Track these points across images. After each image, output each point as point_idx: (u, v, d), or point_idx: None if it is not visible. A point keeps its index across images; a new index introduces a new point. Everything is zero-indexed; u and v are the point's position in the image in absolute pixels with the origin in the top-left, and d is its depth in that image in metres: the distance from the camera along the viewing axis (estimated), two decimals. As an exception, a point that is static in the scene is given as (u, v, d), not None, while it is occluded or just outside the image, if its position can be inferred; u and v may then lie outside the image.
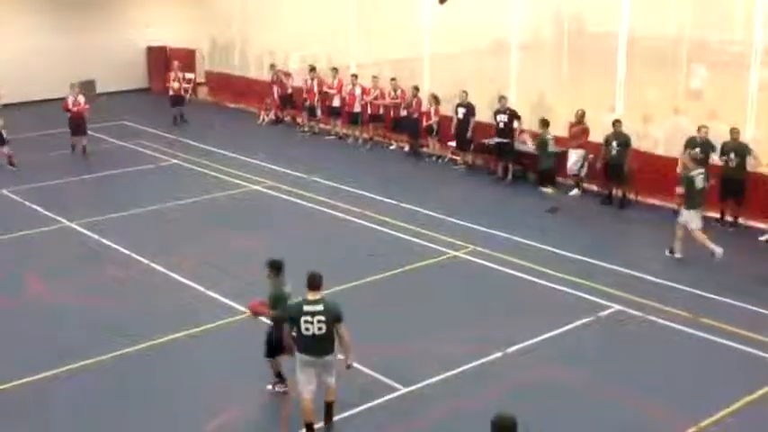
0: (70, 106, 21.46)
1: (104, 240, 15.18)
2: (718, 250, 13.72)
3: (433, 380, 10.35)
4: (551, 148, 17.23)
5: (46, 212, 16.75)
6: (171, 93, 24.85)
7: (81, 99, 21.39)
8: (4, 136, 20.22)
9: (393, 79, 21.59)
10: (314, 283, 8.87)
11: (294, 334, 8.87)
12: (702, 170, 14.13)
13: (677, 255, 14.14)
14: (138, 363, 10.90)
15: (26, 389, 10.22)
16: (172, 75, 24.95)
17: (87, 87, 28.22)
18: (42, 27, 26.99)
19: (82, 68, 27.75)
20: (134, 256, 14.43)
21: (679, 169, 15.08)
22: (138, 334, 11.49)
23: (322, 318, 8.74)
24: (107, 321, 12.05)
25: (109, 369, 10.70)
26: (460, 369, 10.60)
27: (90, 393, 10.16)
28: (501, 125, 18.82)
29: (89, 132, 21.73)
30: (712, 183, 14.74)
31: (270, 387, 10.13)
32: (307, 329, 8.75)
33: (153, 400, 10.05)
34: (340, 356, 9.15)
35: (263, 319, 10.03)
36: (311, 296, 8.83)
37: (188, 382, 10.47)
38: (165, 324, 11.83)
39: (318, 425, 9.14)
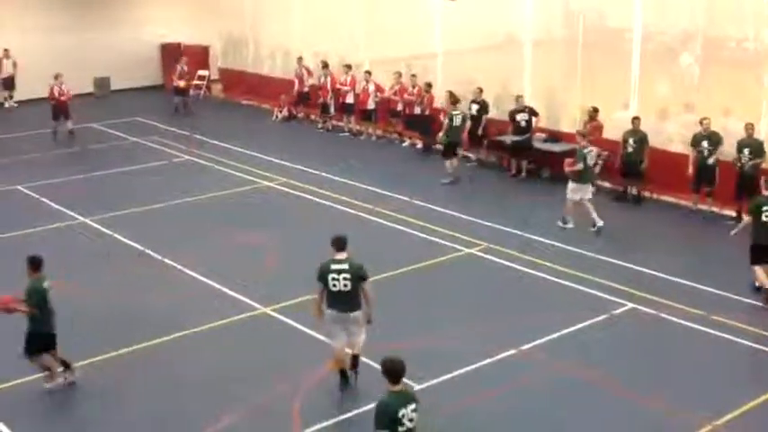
0: (56, 95, 22.34)
1: (118, 236, 15.24)
2: (600, 222, 15.11)
3: (446, 377, 10.36)
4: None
5: (61, 208, 16.83)
6: (175, 85, 25.53)
7: (65, 88, 22.36)
8: None
9: (413, 75, 21.54)
10: (339, 244, 9.81)
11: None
12: (593, 148, 15.64)
13: (569, 225, 15.41)
14: (148, 358, 10.95)
15: (37, 384, 10.28)
16: (177, 68, 25.51)
17: (102, 84, 28.42)
18: (58, 24, 27.09)
19: (97, 66, 27.92)
20: (147, 251, 14.48)
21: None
22: (149, 330, 11.54)
23: (348, 275, 9.66)
24: (120, 317, 12.11)
25: (119, 365, 10.75)
26: (474, 366, 10.60)
27: (98, 390, 10.21)
28: (523, 123, 18.72)
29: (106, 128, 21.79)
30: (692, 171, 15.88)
31: (47, 385, 10.11)
32: (334, 285, 9.68)
33: (162, 396, 10.11)
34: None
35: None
36: (338, 256, 9.77)
37: (198, 377, 10.51)
38: (178, 320, 11.87)
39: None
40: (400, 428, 7.07)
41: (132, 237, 15.13)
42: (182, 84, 25.56)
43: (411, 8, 22.19)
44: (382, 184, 18.17)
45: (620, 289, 12.81)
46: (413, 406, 7.18)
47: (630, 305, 12.33)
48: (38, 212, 16.70)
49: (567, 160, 15.58)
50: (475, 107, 19.64)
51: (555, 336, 11.41)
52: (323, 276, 9.78)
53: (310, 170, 19.37)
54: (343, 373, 10.14)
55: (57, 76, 22.62)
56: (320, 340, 11.32)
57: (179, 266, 13.85)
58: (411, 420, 7.14)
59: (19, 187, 18.31)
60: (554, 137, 19.00)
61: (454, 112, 18.67)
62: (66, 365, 10.25)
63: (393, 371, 7.22)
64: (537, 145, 18.91)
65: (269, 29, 27.20)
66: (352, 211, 16.52)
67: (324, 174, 19.09)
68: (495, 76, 20.31)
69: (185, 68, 25.76)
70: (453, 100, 19.18)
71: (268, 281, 13.32)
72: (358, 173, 18.98)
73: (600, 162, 15.95)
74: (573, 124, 18.96)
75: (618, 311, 12.18)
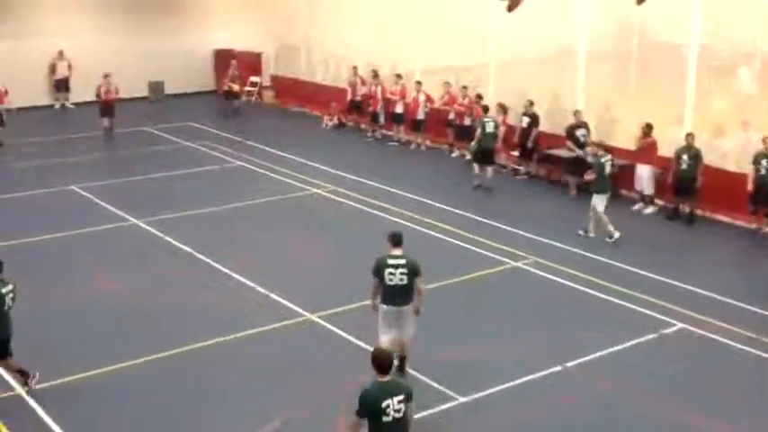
0: (102, 94, 23.27)
1: (168, 238, 15.42)
2: (616, 234, 15.25)
3: (491, 391, 10.28)
4: None
5: (114, 209, 17.10)
6: (225, 89, 26.22)
7: (111, 87, 23.30)
8: (4, 118, 22.39)
9: (464, 87, 21.49)
10: (396, 240, 10.28)
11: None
12: (610, 156, 15.66)
13: (590, 234, 15.56)
14: (198, 361, 11.04)
15: (91, 382, 10.44)
16: (229, 71, 26.32)
17: (156, 88, 28.85)
18: (115, 28, 27.57)
19: (152, 70, 28.34)
20: (197, 254, 14.64)
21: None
22: (198, 332, 11.64)
23: (404, 270, 10.07)
24: (169, 318, 12.25)
25: (168, 366, 10.86)
26: (519, 381, 10.50)
27: (148, 389, 10.32)
28: (582, 139, 18.53)
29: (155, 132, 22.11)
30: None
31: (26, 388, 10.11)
32: (390, 280, 10.07)
33: (210, 399, 10.17)
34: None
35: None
36: (394, 252, 10.19)
37: (241, 382, 10.57)
38: (224, 324, 11.96)
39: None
40: (384, 418, 7.18)
41: (182, 239, 15.29)
42: (234, 87, 26.08)
43: (466, 18, 22.13)
44: (430, 194, 18.14)
45: (671, 308, 12.60)
46: (400, 397, 7.26)
47: (681, 325, 12.12)
48: (91, 213, 16.98)
49: (588, 172, 15.80)
50: (526, 120, 19.55)
51: (602, 353, 11.25)
52: (379, 271, 10.12)
53: (358, 178, 19.43)
54: (401, 360, 10.43)
55: (106, 76, 23.35)
56: (365, 349, 11.33)
57: (226, 270, 13.96)
58: (398, 411, 7.23)
59: (74, 187, 18.64)
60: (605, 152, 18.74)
61: (485, 120, 18.80)
62: (24, 374, 10.15)
63: (378, 361, 7.35)
64: (589, 160, 18.67)
65: (322, 36, 27.40)
66: (400, 221, 16.50)
67: (372, 182, 19.12)
68: (547, 89, 20.19)
69: (237, 72, 26.39)
70: (485, 108, 19.45)
71: (314, 288, 13.36)
72: (406, 182, 18.97)
73: (616, 170, 16.15)
74: (625, 139, 18.73)
75: (668, 331, 11.97)
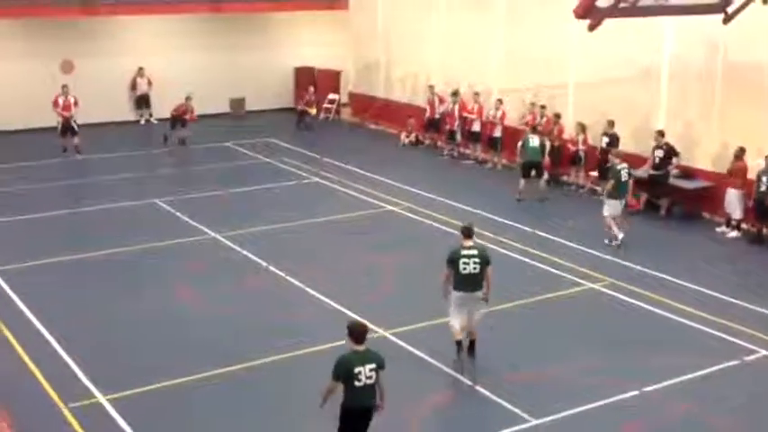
0: (178, 111, 24.27)
1: (245, 252, 15.66)
2: (621, 235, 15.88)
3: (565, 414, 10.13)
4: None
5: (193, 223, 17.45)
6: (300, 109, 27.46)
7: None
8: (76, 128, 23.02)
9: (543, 106, 21.32)
10: (468, 232, 11.27)
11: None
12: (626, 165, 16.30)
13: (617, 242, 16.00)
14: (273, 373, 11.18)
15: (170, 391, 10.65)
16: (306, 96, 27.34)
17: (237, 105, 29.42)
18: (196, 45, 28.20)
19: (234, 86, 28.91)
20: (272, 268, 14.82)
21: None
22: (273, 345, 11.78)
23: (477, 260, 10.99)
24: (244, 331, 12.42)
25: (244, 378, 11.00)
26: (594, 404, 10.32)
27: (225, 399, 10.48)
28: (657, 160, 18.25)
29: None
30: None
31: None
32: (464, 269, 10.93)
33: (283, 412, 10.29)
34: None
35: None
36: (466, 243, 11.15)
37: (312, 397, 10.62)
38: (296, 337, 12.07)
39: None
40: (356, 383, 8.31)
41: (258, 253, 15.51)
42: (311, 111, 27.22)
43: (545, 37, 21.97)
44: (505, 214, 18.02)
45: (754, 335, 12.23)
46: (372, 366, 8.37)
47: (764, 352, 11.75)
48: (172, 226, 17.37)
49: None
50: (605, 140, 19.27)
51: (681, 379, 10.99)
52: (454, 261, 10.97)
53: (433, 196, 19.41)
54: (459, 344, 11.28)
55: (187, 98, 24.29)
56: (437, 366, 11.31)
57: (300, 285, 14.11)
58: (369, 378, 8.37)
59: (156, 201, 19.11)
60: (687, 173, 18.39)
61: (529, 136, 19.43)
62: None
63: (354, 332, 8.49)
64: (669, 181, 18.35)
65: (401, 54, 27.52)
66: (478, 241, 16.41)
67: (447, 201, 19.08)
68: (628, 109, 19.84)
69: (313, 98, 27.41)
70: (533, 128, 20.06)
71: (387, 304, 13.39)
72: (481, 201, 18.87)
73: (631, 178, 16.67)
74: (708, 161, 18.32)
75: (750, 358, 11.62)
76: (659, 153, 18.27)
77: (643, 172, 18.39)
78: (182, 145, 24.39)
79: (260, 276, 14.59)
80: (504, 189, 20.39)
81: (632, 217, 18.12)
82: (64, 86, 23.42)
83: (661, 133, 18.43)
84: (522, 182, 19.24)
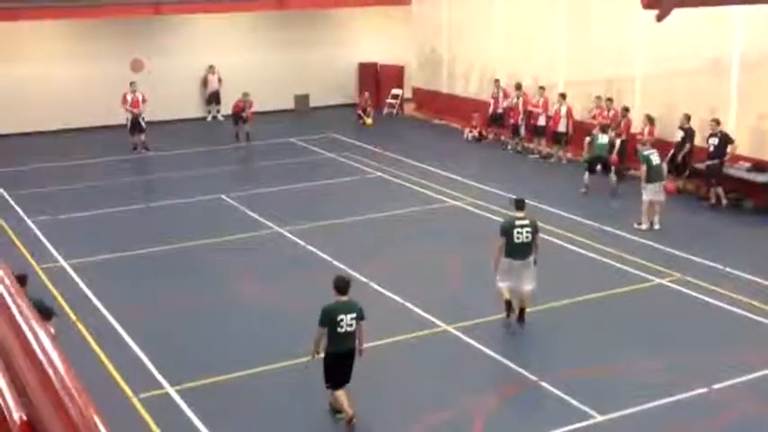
0: (237, 108, 24.75)
1: (310, 247, 15.81)
2: (644, 226, 16.31)
3: (631, 410, 9.98)
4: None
5: (259, 218, 17.69)
6: (358, 112, 27.84)
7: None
8: (143, 125, 23.52)
9: (609, 99, 21.01)
10: (520, 204, 12.33)
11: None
12: (654, 150, 16.72)
13: (644, 226, 16.39)
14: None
15: (236, 382, 10.83)
16: (363, 100, 27.92)
17: (301, 101, 29.69)
18: (263, 43, 28.58)
19: (298, 82, 29.20)
20: (335, 263, 14.92)
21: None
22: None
23: (529, 229, 11.95)
24: (308, 324, 12.50)
25: (308, 371, 11.10)
26: (661, 401, 10.16)
27: (288, 392, 10.61)
28: (711, 148, 17.92)
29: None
30: None
31: None
32: (518, 238, 11.90)
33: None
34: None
35: None
36: (518, 214, 12.15)
37: (375, 391, 10.69)
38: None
39: None
40: (339, 329, 9.41)
41: (322, 248, 15.64)
42: (367, 120, 27.62)
43: (612, 29, 21.65)
44: (570, 209, 17.83)
45: (829, 332, 11.88)
46: (353, 315, 9.42)
47: (840, 350, 11.41)
48: (238, 221, 17.63)
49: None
50: (680, 134, 18.83)
51: (752, 376, 10.74)
52: (508, 231, 11.90)
53: (498, 191, 19.29)
54: (509, 305, 12.09)
55: (244, 94, 24.70)
56: (501, 361, 11.26)
57: (364, 279, 14.16)
58: (350, 326, 9.43)
59: (222, 196, 19.41)
60: (759, 166, 17.94)
61: (595, 133, 19.41)
62: None
63: (339, 285, 9.55)
64: (740, 174, 17.95)
65: (465, 49, 27.40)
66: (541, 235, 16.28)
67: (511, 195, 18.83)
68: (698, 101, 19.42)
69: (369, 102, 27.86)
70: (603, 127, 19.78)
71: (451, 299, 13.38)
72: (546, 196, 18.68)
73: (664, 162, 17.08)
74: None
75: (825, 356, 11.29)
76: (714, 141, 17.91)
77: (703, 165, 18.08)
78: (246, 140, 24.73)
79: (323, 270, 14.67)
80: (568, 183, 20.16)
81: (699, 210, 17.78)
82: (132, 83, 23.92)
83: (717, 121, 18.03)
84: (587, 175, 19.12)
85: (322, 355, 9.68)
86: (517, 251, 11.92)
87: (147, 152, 23.70)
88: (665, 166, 16.85)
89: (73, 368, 2.20)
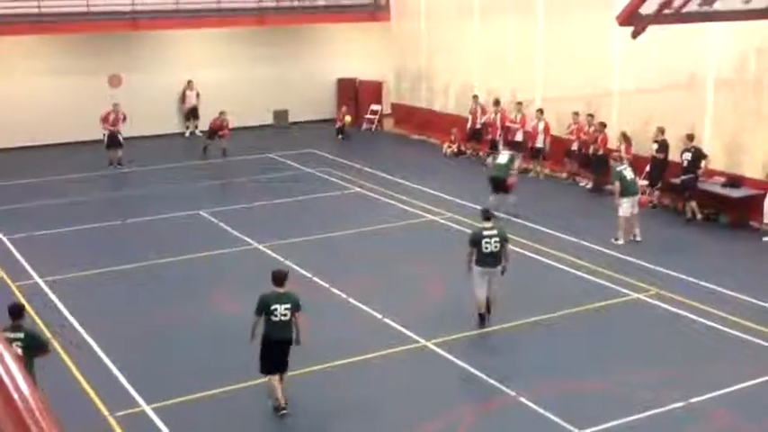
0: (213, 125, 24.94)
1: (288, 262, 15.73)
2: (621, 241, 16.51)
3: (608, 425, 10.01)
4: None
5: (237, 233, 17.62)
6: (337, 125, 27.93)
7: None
8: (121, 141, 23.66)
9: (590, 115, 21.12)
10: (487, 215, 12.82)
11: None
12: (626, 164, 17.03)
13: (620, 240, 16.55)
14: (313, 383, 11.21)
15: (212, 400, 10.75)
16: (342, 111, 27.95)
17: (280, 117, 29.68)
18: (243, 57, 28.55)
19: (277, 98, 29.19)
20: (315, 279, 14.89)
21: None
22: (314, 355, 11.79)
23: (497, 239, 12.41)
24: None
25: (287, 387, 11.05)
26: (639, 415, 10.19)
27: (266, 410, 10.53)
28: (685, 163, 18.10)
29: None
30: None
31: None
32: (486, 248, 12.37)
33: (323, 422, 10.31)
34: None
35: None
36: (487, 225, 12.58)
37: (353, 407, 10.65)
38: (338, 348, 12.11)
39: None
40: (273, 318, 10.05)
41: (300, 263, 15.58)
42: (348, 119, 27.65)
43: (588, 46, 21.83)
44: (548, 224, 17.89)
45: (804, 345, 11.97)
46: (287, 305, 10.07)
47: (814, 364, 11.49)
48: (216, 237, 17.55)
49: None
50: (654, 146, 19.00)
51: (728, 390, 10.79)
52: (476, 241, 12.40)
53: (476, 206, 19.29)
54: (481, 317, 12.64)
55: (221, 113, 24.82)
56: (479, 377, 11.26)
57: (343, 295, 14.15)
58: (284, 315, 10.07)
59: (200, 212, 19.33)
60: (734, 181, 18.11)
61: (501, 152, 19.61)
62: None
63: (275, 276, 10.31)
64: (715, 189, 18.12)
65: (445, 65, 27.51)
66: (519, 250, 16.33)
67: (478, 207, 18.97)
68: (673, 117, 19.58)
69: (346, 115, 27.85)
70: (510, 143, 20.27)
71: (430, 314, 13.38)
72: (523, 211, 18.76)
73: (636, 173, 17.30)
74: (756, 169, 18.00)
75: (800, 369, 11.37)
76: (687, 156, 18.10)
77: (678, 179, 18.25)
78: (223, 156, 24.70)
79: (301, 286, 14.62)
80: (546, 199, 20.27)
81: (677, 224, 17.91)
82: (115, 104, 23.85)
83: (690, 136, 18.24)
84: (492, 197, 18.26)
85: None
86: (487, 260, 12.42)
87: (120, 168, 23.60)
88: (638, 181, 17.01)
89: (39, 389, 2.18)
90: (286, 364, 10.30)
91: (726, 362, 11.67)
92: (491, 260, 12.45)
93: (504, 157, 19.09)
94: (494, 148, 23.65)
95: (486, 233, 12.46)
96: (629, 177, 16.64)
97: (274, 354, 10.20)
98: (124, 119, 23.75)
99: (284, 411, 10.25)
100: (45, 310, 13.56)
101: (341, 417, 10.41)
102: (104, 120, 23.66)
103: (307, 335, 10.35)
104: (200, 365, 11.74)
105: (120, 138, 23.65)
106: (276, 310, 10.11)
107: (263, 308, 10.15)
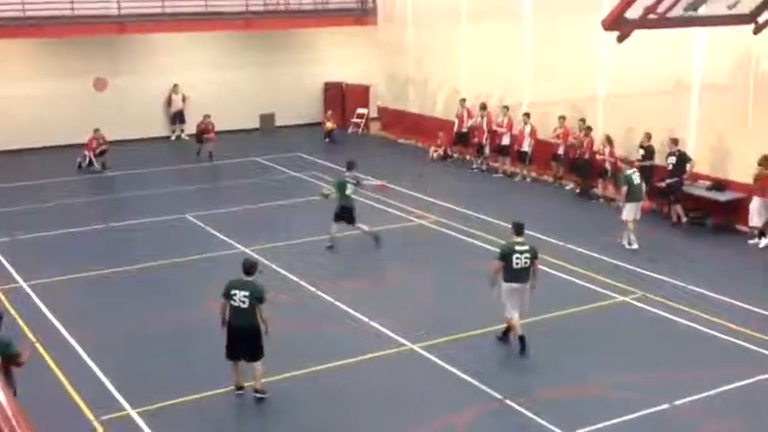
0: (199, 129, 25.44)
1: (274, 266, 15.71)
2: (635, 245, 16.47)
3: (594, 427, 10.03)
4: None
5: (223, 237, 17.57)
6: (325, 130, 28.00)
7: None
8: (104, 148, 23.75)
9: (581, 120, 21.12)
10: (519, 229, 12.05)
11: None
12: (635, 169, 17.01)
13: (634, 245, 16.54)
14: (299, 387, 11.19)
15: (199, 403, 10.70)
16: (328, 114, 28.15)
17: (267, 121, 29.63)
18: (230, 62, 28.52)
19: (264, 102, 29.15)
20: (301, 283, 14.87)
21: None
22: (300, 358, 11.79)
23: (528, 255, 11.81)
24: (274, 345, 12.39)
25: (273, 391, 11.01)
26: (624, 418, 10.22)
27: (251, 414, 10.50)
28: (670, 167, 18.21)
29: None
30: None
31: None
32: (516, 264, 11.76)
33: (311, 427, 10.28)
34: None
35: None
36: (517, 239, 11.94)
37: (341, 410, 10.63)
38: (325, 352, 12.09)
39: None
40: (232, 302, 10.54)
41: (287, 267, 15.57)
42: (328, 126, 27.78)
43: (574, 50, 21.91)
44: (536, 227, 17.88)
45: (788, 348, 12.04)
46: (246, 292, 10.48)
47: (799, 366, 11.56)
48: (203, 240, 17.49)
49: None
50: (641, 152, 19.07)
51: (712, 392, 10.84)
52: (507, 256, 11.78)
53: (463, 209, 19.38)
54: (506, 332, 12.19)
55: (205, 116, 25.24)
56: (467, 381, 11.26)
57: (329, 298, 14.13)
58: (243, 302, 10.49)
59: (186, 215, 19.26)
60: (720, 185, 18.21)
61: (346, 178, 16.98)
62: None
63: (243, 265, 10.78)
64: (700, 193, 18.22)
65: (431, 68, 27.56)
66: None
67: (475, 213, 19.05)
68: (658, 121, 19.67)
69: (330, 119, 28.01)
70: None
71: (417, 318, 13.36)
72: (510, 214, 18.72)
73: (642, 180, 17.07)
74: (741, 173, 18.10)
75: (784, 372, 11.44)
76: (672, 160, 18.21)
77: (663, 183, 18.34)
78: (209, 160, 24.71)
79: (288, 289, 14.63)
80: (532, 202, 20.32)
81: (656, 228, 17.98)
82: (96, 130, 23.83)
83: (674, 141, 18.35)
84: (334, 226, 16.66)
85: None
86: (517, 276, 11.83)
87: (101, 170, 23.57)
88: (643, 187, 17.00)
89: (16, 398, 2.16)
90: (252, 352, 10.59)
91: (711, 364, 11.71)
92: (521, 276, 11.84)
93: (350, 188, 16.73)
94: (480, 152, 23.72)
95: (517, 248, 11.83)
96: (636, 182, 16.63)
97: (235, 339, 10.56)
98: (105, 143, 23.88)
99: (241, 392, 10.74)
100: (29, 314, 13.47)
101: (325, 421, 10.38)
102: (89, 146, 23.68)
103: (272, 326, 10.77)
104: (186, 369, 11.69)
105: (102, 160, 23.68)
106: (235, 295, 10.50)
107: (225, 291, 10.61)
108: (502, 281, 11.89)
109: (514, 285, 11.86)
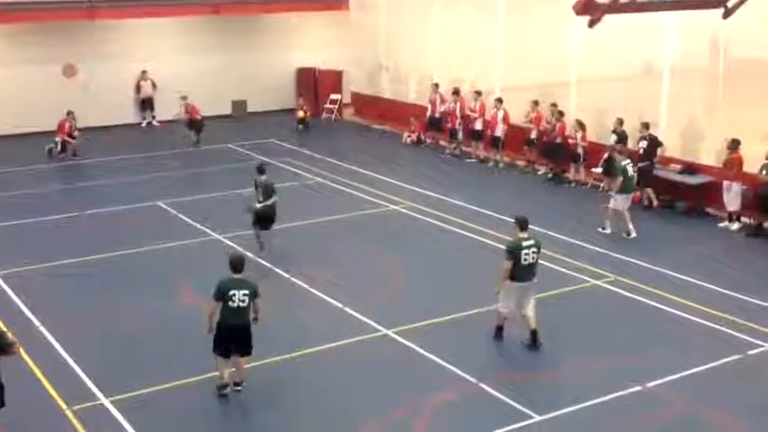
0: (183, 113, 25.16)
1: (249, 254, 15.62)
2: (634, 233, 16.37)
3: (569, 409, 10.13)
4: None
5: (196, 225, 17.47)
6: (298, 117, 27.73)
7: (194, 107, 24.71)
8: (75, 134, 23.62)
9: (553, 105, 21.17)
10: (524, 225, 11.64)
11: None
12: (629, 160, 16.77)
13: (607, 230, 16.61)
14: (274, 374, 11.19)
15: (173, 392, 10.68)
16: (300, 102, 27.93)
17: (239, 107, 29.44)
18: (201, 47, 28.25)
19: (236, 88, 28.94)
20: (275, 269, 14.84)
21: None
22: (275, 346, 11.77)
23: (535, 249, 11.51)
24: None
25: (248, 377, 11.00)
26: (597, 400, 10.33)
27: (227, 402, 10.49)
28: (641, 151, 18.34)
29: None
30: None
31: None
32: (525, 260, 11.38)
33: (286, 413, 10.29)
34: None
35: None
36: (523, 234, 11.55)
37: (315, 397, 10.65)
38: (299, 338, 12.10)
39: None
40: (231, 304, 10.10)
41: (261, 255, 15.50)
42: (300, 114, 27.58)
43: (546, 35, 21.98)
44: (508, 212, 17.96)
45: (757, 329, 12.22)
46: (245, 291, 10.13)
47: (767, 347, 11.72)
48: (176, 228, 17.38)
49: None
50: (613, 137, 19.17)
51: (684, 374, 10.98)
52: (515, 253, 11.35)
53: (436, 195, 19.41)
54: (499, 329, 11.84)
55: (184, 97, 25.10)
56: (440, 364, 11.31)
57: (304, 285, 14.12)
58: (243, 301, 10.11)
59: (159, 203, 19.12)
60: (691, 168, 18.38)
61: (262, 179, 15.84)
62: None
63: (233, 262, 10.33)
64: (672, 177, 18.38)
65: (404, 54, 27.54)
66: (477, 237, 16.45)
67: (449, 199, 19.09)
68: (630, 106, 19.81)
69: (304, 105, 27.76)
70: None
71: (391, 303, 13.40)
72: (483, 199, 18.88)
73: (636, 172, 17.26)
74: (712, 156, 18.30)
75: (753, 352, 11.62)
76: (643, 144, 18.36)
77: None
78: (195, 145, 24.85)
79: (262, 276, 14.53)
80: (505, 187, 20.40)
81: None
82: (69, 112, 23.53)
83: (645, 125, 18.48)
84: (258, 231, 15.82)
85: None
86: (525, 273, 11.48)
87: (72, 156, 23.36)
88: (635, 178, 17.02)
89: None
90: (247, 346, 10.39)
91: (682, 346, 11.85)
92: (529, 273, 11.51)
93: (272, 188, 15.77)
94: (453, 136, 23.76)
95: (525, 243, 11.44)
96: (630, 173, 16.57)
97: (232, 339, 10.29)
98: (76, 128, 23.68)
99: (226, 391, 10.41)
100: (0, 304, 13.33)
101: (301, 407, 10.39)
102: (61, 129, 23.37)
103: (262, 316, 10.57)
104: (160, 358, 11.64)
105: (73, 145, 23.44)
106: (234, 295, 10.14)
107: (222, 294, 10.16)
108: (508, 280, 11.50)
109: (521, 284, 11.51)
